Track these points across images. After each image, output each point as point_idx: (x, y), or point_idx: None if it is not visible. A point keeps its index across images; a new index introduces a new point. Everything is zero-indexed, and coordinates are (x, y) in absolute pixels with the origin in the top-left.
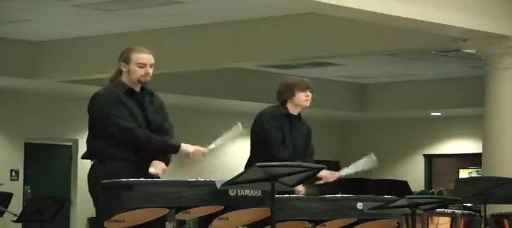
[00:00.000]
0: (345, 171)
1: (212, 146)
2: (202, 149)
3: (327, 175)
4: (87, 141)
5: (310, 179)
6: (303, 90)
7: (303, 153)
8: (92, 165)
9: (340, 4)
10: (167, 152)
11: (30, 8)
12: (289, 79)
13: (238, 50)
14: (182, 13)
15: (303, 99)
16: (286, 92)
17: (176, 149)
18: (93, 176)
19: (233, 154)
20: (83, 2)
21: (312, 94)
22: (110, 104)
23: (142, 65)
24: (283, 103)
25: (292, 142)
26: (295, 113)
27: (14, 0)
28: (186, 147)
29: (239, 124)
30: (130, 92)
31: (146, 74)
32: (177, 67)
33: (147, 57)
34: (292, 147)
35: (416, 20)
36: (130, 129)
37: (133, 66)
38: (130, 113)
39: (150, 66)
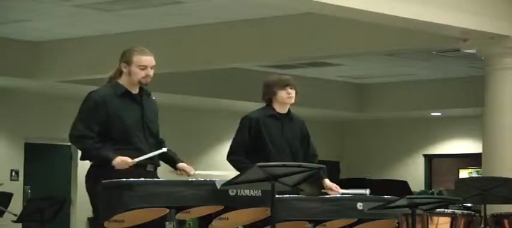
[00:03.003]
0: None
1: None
2: (129, 160)
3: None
4: None
5: (310, 179)
6: (283, 88)
7: (299, 151)
8: (90, 166)
9: (340, 4)
10: (102, 162)
11: (30, 8)
12: (269, 78)
13: (238, 50)
14: (182, 13)
15: (285, 97)
16: (268, 92)
17: (108, 161)
18: (91, 177)
19: None
20: (83, 2)
21: (295, 90)
22: (88, 108)
23: (143, 67)
24: (269, 103)
25: (286, 141)
26: (283, 111)
27: (14, 0)
28: (116, 160)
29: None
30: (126, 94)
31: (147, 75)
32: (177, 67)
33: (148, 59)
34: (286, 146)
35: (417, 20)
36: (83, 136)
37: (134, 68)
38: (120, 115)
39: (151, 68)
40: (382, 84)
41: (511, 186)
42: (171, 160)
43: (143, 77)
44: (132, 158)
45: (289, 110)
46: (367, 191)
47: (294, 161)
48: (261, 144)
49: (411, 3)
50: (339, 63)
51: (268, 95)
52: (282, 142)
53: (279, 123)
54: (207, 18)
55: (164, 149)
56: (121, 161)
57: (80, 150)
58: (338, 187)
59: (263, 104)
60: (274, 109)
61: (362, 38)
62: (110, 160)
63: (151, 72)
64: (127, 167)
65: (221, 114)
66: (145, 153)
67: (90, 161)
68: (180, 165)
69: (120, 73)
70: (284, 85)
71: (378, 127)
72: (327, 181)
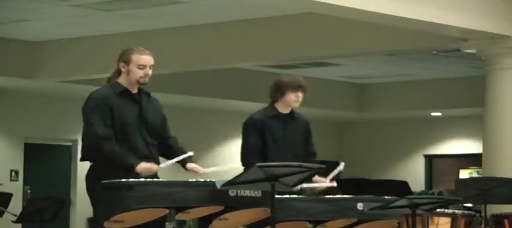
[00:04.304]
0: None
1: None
2: (154, 166)
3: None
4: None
5: (310, 179)
6: (294, 90)
7: (301, 152)
8: (90, 167)
9: (340, 4)
10: (124, 169)
11: (30, 8)
12: (282, 78)
13: (238, 50)
14: (182, 13)
15: (292, 100)
16: (277, 91)
17: (131, 168)
18: (91, 177)
19: (233, 155)
20: (83, 2)
21: (304, 95)
22: (95, 107)
23: (142, 67)
24: (274, 102)
25: (288, 141)
26: (286, 112)
27: (14, 0)
28: (140, 167)
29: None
30: (125, 92)
31: (146, 75)
32: (177, 67)
33: (147, 59)
34: (289, 146)
35: (416, 20)
36: (102, 138)
37: (133, 67)
38: (120, 113)
39: (150, 68)
40: (382, 84)
41: (511, 187)
42: (181, 160)
43: (142, 77)
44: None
45: (291, 109)
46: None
47: (296, 161)
48: (264, 145)
49: (411, 3)
50: (339, 63)
51: (277, 94)
52: (284, 143)
53: (281, 124)
54: (207, 18)
55: (190, 153)
56: (145, 168)
57: (102, 152)
58: (321, 178)
59: (263, 104)
60: (276, 109)
61: (362, 38)
62: (133, 167)
63: (150, 72)
64: (151, 174)
65: (221, 114)
66: (143, 153)
67: (109, 163)
68: (190, 166)
69: (118, 73)
70: (297, 88)
71: (378, 127)
72: (316, 177)
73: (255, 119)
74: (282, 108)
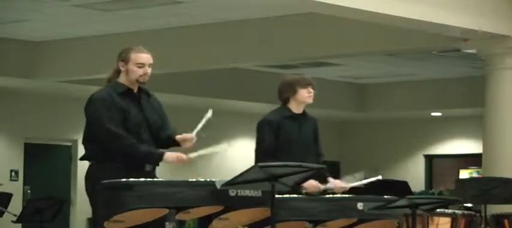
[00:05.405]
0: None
1: (194, 154)
2: (184, 156)
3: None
4: (83, 143)
5: (310, 179)
6: (305, 86)
7: (313, 152)
8: (89, 166)
9: (340, 4)
10: (152, 161)
11: (30, 8)
12: (290, 77)
13: (238, 50)
14: (182, 13)
15: (305, 96)
16: (287, 90)
17: (160, 157)
18: (90, 177)
19: (233, 154)
20: (83, 2)
21: (314, 90)
22: (104, 107)
23: (141, 65)
24: (285, 103)
25: (303, 141)
26: (300, 111)
27: (14, 0)
28: (169, 155)
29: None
30: (127, 92)
31: (145, 73)
32: (177, 67)
33: (146, 57)
34: (304, 147)
35: (416, 20)
36: (119, 135)
37: (132, 66)
38: (126, 114)
39: (149, 66)
40: (382, 84)
41: (511, 187)
42: (172, 141)
43: (141, 75)
44: None
45: (303, 109)
46: (380, 177)
47: (309, 161)
48: (280, 147)
49: (411, 3)
50: (339, 63)
51: (288, 94)
52: (299, 143)
53: (296, 124)
54: (207, 18)
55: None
56: (176, 157)
57: (120, 150)
58: (341, 182)
59: (263, 104)
60: (290, 110)
61: (362, 38)
62: (162, 155)
63: (149, 70)
64: (182, 163)
65: (221, 114)
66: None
67: (129, 159)
68: (179, 136)
69: (118, 73)
70: (306, 84)
71: (378, 127)
72: (331, 179)
73: (270, 120)
74: (295, 107)
